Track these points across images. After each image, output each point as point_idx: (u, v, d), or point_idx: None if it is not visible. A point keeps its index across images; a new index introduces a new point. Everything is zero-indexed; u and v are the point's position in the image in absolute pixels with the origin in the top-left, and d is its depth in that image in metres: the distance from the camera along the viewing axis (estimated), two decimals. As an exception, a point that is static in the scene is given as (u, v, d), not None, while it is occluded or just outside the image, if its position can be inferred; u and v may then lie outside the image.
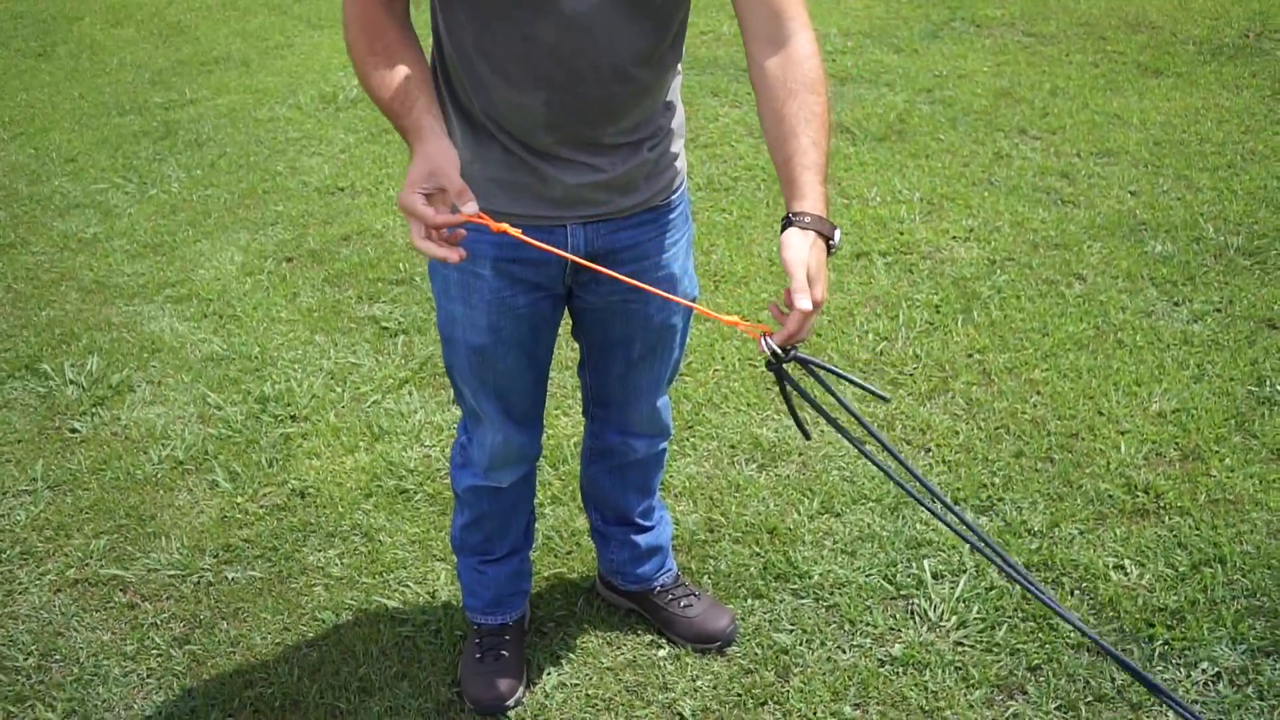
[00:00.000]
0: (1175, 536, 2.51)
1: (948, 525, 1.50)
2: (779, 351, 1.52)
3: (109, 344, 3.55)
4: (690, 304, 1.76)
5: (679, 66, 1.81)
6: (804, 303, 1.50)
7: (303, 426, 3.09)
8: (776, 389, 3.11)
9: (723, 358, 3.28)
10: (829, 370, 1.54)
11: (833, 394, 1.54)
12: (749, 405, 3.07)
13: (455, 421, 3.06)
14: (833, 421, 1.53)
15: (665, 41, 1.70)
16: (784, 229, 1.57)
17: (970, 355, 3.22)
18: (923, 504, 1.47)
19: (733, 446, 2.91)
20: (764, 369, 1.66)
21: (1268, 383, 3.00)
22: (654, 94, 1.75)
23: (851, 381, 1.55)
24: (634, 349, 2.00)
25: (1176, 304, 3.41)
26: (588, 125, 1.70)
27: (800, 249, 1.53)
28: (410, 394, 3.20)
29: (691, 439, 2.95)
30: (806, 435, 1.68)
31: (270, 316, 3.65)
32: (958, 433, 2.90)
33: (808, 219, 1.56)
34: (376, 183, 4.54)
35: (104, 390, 3.31)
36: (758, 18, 1.67)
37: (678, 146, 1.87)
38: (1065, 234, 3.83)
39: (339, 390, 3.24)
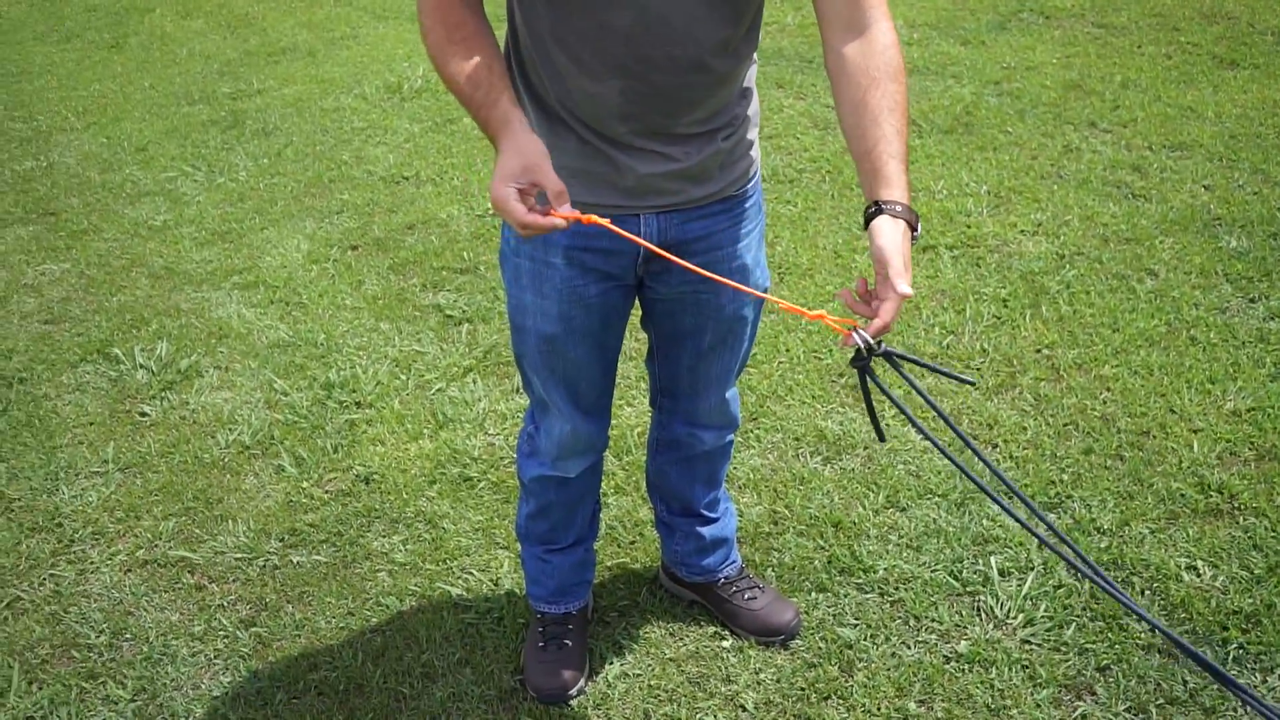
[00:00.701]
0: (1250, 538, 2.45)
1: (1020, 522, 1.48)
2: (871, 345, 1.50)
3: (178, 329, 3.61)
4: (777, 300, 1.75)
5: (754, 56, 1.79)
6: (904, 287, 1.50)
7: (367, 413, 3.11)
8: (844, 382, 3.08)
9: (788, 350, 3.26)
10: (916, 363, 1.52)
11: (915, 388, 1.51)
12: (813, 398, 3.04)
13: (519, 410, 3.07)
14: (914, 421, 1.51)
15: (741, 30, 1.68)
16: (871, 217, 1.55)
17: (1038, 350, 3.17)
18: (997, 501, 1.44)
19: (797, 439, 2.89)
20: (848, 364, 1.64)
21: (1348, 382, 2.93)
22: (729, 83, 1.73)
23: (938, 371, 1.54)
24: (704, 340, 1.99)
25: (1252, 300, 3.33)
26: (662, 114, 1.69)
27: (893, 236, 1.52)
28: (475, 382, 3.22)
29: (756, 431, 2.94)
30: (882, 438, 1.67)
31: (335, 304, 3.68)
32: (1025, 428, 2.86)
33: (899, 207, 1.55)
34: (441, 172, 4.56)
35: (173, 375, 3.36)
36: (837, 4, 1.65)
37: (752, 136, 1.86)
38: (1136, 228, 3.75)
39: (404, 378, 3.27)
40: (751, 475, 2.76)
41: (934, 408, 1.51)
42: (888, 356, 1.52)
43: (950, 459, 1.47)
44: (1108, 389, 2.98)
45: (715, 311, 1.95)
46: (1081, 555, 1.45)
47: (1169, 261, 3.55)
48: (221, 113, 5.44)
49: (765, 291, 2.01)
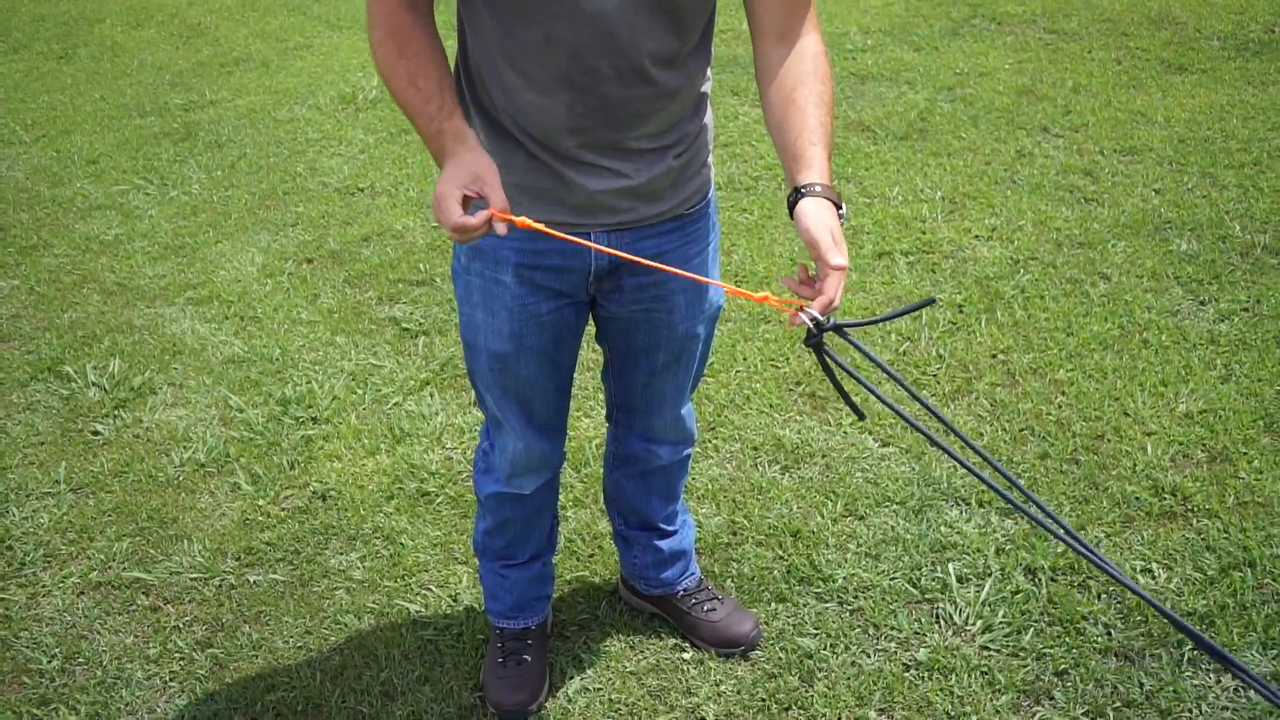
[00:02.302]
0: (1204, 540, 2.48)
1: (982, 479, 1.48)
2: (820, 320, 1.51)
3: (131, 346, 3.56)
4: (719, 284, 1.75)
5: (708, 72, 1.79)
6: (836, 258, 1.51)
7: (324, 429, 3.09)
8: (801, 390, 3.09)
9: (745, 359, 3.26)
10: (867, 323, 1.54)
11: (870, 357, 1.51)
12: (771, 406, 3.05)
13: (477, 424, 3.05)
14: (872, 390, 1.51)
15: (688, 44, 1.68)
16: (794, 204, 1.56)
17: (994, 356, 3.20)
18: (963, 464, 1.44)
19: (755, 448, 2.89)
20: (803, 348, 1.64)
21: (1296, 383, 2.97)
22: (679, 98, 1.73)
23: (892, 317, 1.56)
24: (657, 357, 1.99)
25: (1203, 303, 3.37)
26: (611, 129, 1.69)
27: (818, 215, 1.54)
28: (431, 396, 3.20)
29: (714, 440, 2.94)
30: (860, 415, 1.68)
31: (291, 318, 3.65)
32: (982, 434, 2.88)
33: (818, 188, 1.57)
34: (396, 183, 4.54)
35: (126, 393, 3.31)
36: (770, 16, 1.67)
37: (706, 154, 1.85)
38: (1089, 233, 3.80)
39: (360, 392, 3.24)
40: (710, 485, 2.76)
41: (890, 374, 1.52)
42: (838, 329, 1.53)
43: (910, 422, 1.48)
44: (1062, 393, 3.01)
45: (668, 330, 1.95)
46: (1048, 512, 1.46)
47: (1121, 265, 3.59)
48: (174, 124, 5.38)
49: (718, 310, 2.02)
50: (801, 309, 1.53)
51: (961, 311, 3.41)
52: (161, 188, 4.71)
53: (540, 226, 1.57)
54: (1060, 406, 2.96)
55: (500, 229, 1.54)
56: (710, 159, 1.89)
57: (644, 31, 1.62)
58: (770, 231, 3.94)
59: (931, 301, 1.61)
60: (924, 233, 3.87)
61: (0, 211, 4.61)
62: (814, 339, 1.53)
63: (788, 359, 3.25)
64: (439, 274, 3.84)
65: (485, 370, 1.94)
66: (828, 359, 1.57)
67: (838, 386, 1.62)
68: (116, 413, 3.23)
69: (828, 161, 1.62)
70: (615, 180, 1.73)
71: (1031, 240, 3.78)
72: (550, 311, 1.86)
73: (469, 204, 1.55)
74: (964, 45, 5.55)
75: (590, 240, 1.76)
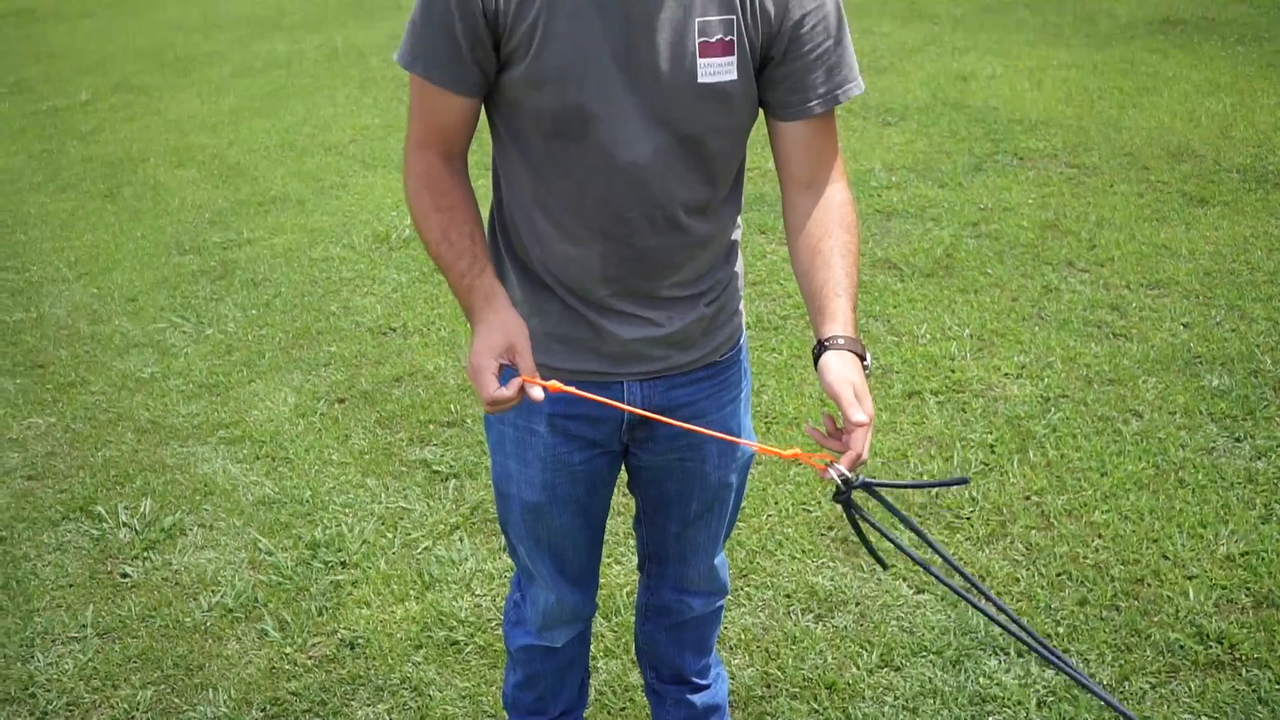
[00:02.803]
0: (1254, 691, 2.41)
1: (1017, 636, 1.46)
2: (849, 478, 1.50)
3: (163, 486, 3.58)
4: (749, 443, 1.76)
5: (739, 220, 1.82)
6: (858, 415, 1.51)
7: (353, 574, 3.07)
8: (834, 535, 3.06)
9: (776, 502, 3.24)
10: (897, 486, 1.54)
11: (899, 516, 1.51)
12: (804, 552, 3.02)
13: (507, 570, 3.03)
14: (901, 547, 1.51)
15: (720, 193, 1.72)
16: (818, 357, 1.57)
17: (1028, 497, 3.17)
18: (996, 621, 1.42)
19: (788, 596, 2.85)
20: (831, 502, 1.63)
21: (1339, 526, 2.92)
22: (711, 246, 1.76)
23: (922, 486, 1.55)
24: (690, 507, 1.98)
25: (1238, 440, 3.34)
26: (643, 277, 1.71)
27: (840, 369, 1.55)
28: (461, 540, 3.18)
29: (746, 588, 2.90)
30: (884, 565, 1.67)
31: (322, 459, 3.67)
32: (1018, 579, 2.83)
33: (841, 340, 1.58)
34: (428, 323, 4.60)
35: (156, 534, 3.32)
36: (798, 164, 1.71)
37: (737, 301, 1.87)
38: (1119, 369, 3.79)
39: (390, 536, 3.23)
40: (742, 635, 2.72)
41: (919, 534, 1.51)
42: (866, 487, 1.52)
43: (943, 581, 1.47)
44: (1099, 535, 2.97)
45: (701, 479, 1.94)
46: (1071, 671, 1.42)
47: (1153, 402, 3.57)
48: (212, 262, 5.49)
49: (751, 457, 2.02)
50: (831, 464, 1.53)
51: (993, 452, 3.39)
52: (198, 326, 4.79)
53: (573, 390, 1.59)
54: (1097, 549, 2.91)
55: (536, 394, 1.56)
56: (741, 305, 1.91)
57: (676, 180, 1.65)
58: (799, 371, 3.95)
59: (965, 480, 1.61)
60: (953, 371, 3.87)
61: (41, 348, 4.70)
62: (842, 495, 1.53)
63: (819, 503, 3.22)
64: (470, 415, 3.86)
65: (518, 520, 1.93)
66: (857, 515, 1.56)
67: (864, 540, 1.61)
68: (146, 554, 3.23)
69: (852, 312, 1.63)
70: (648, 329, 1.75)
71: (1061, 377, 3.77)
72: (583, 461, 1.86)
73: (501, 371, 1.57)
74: (987, 181, 5.62)
75: (624, 389, 1.78)
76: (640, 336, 1.76)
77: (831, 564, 2.95)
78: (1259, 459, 3.24)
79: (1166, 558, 2.86)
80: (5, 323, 5.01)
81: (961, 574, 1.51)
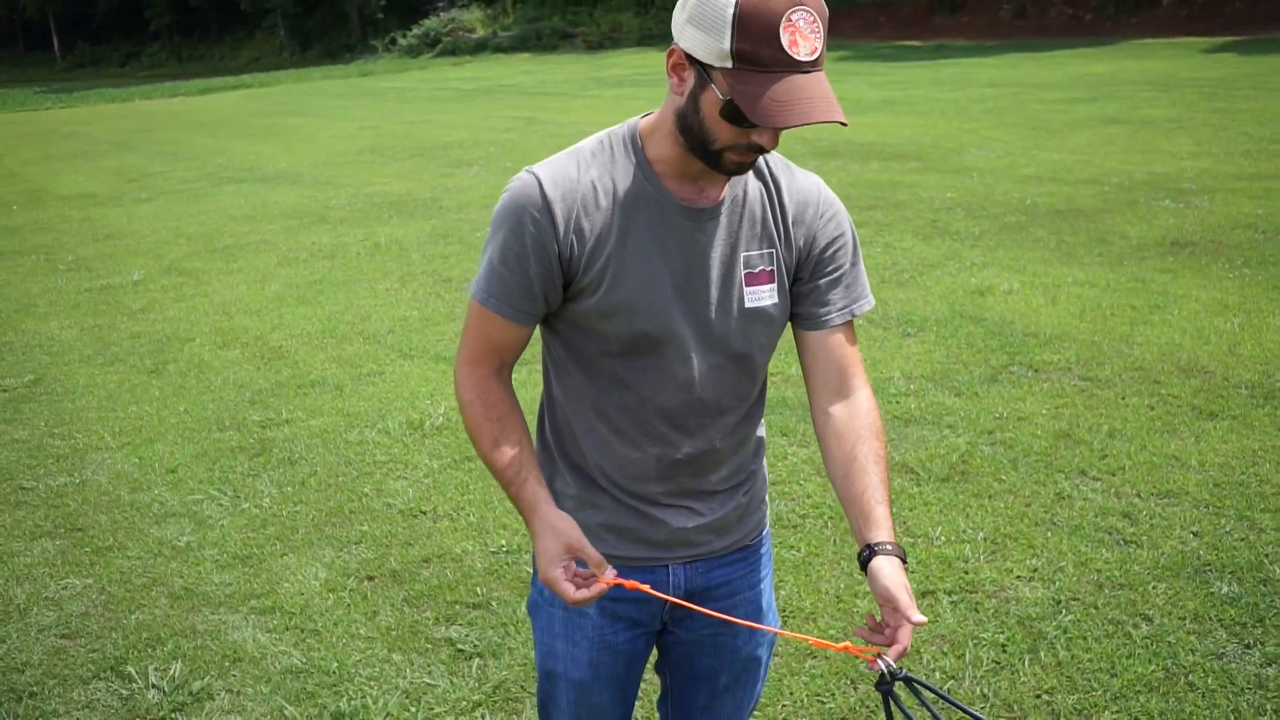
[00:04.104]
0: None
1: None
2: (895, 670, 1.64)
3: (193, 651, 3.68)
4: (805, 637, 1.94)
5: (762, 417, 2.02)
6: (918, 616, 1.67)
7: (375, 744, 3.13)
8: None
9: (791, 693, 3.31)
10: (933, 691, 1.68)
11: (932, 713, 1.66)
12: (817, 739, 3.07)
13: (525, 745, 3.09)
14: None
15: (756, 393, 1.93)
16: (867, 560, 1.73)
17: (1038, 696, 3.22)
18: None
19: (801, 782, 2.90)
20: (874, 687, 1.72)
21: (1347, 736, 2.97)
22: (747, 443, 1.96)
23: (953, 703, 1.68)
24: (719, 680, 2.11)
25: (1248, 646, 3.40)
26: (693, 476, 1.91)
27: (893, 574, 1.72)
28: (483, 717, 3.25)
29: (759, 772, 2.95)
30: None
31: (350, 633, 3.77)
32: (1029, 777, 2.87)
33: (889, 546, 1.75)
34: (458, 508, 4.74)
35: (185, 696, 3.40)
36: (825, 373, 1.92)
37: (764, 491, 2.07)
38: (1129, 574, 3.88)
39: (413, 710, 3.30)
40: (756, 819, 2.76)
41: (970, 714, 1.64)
42: (908, 681, 1.67)
43: None
44: (1109, 737, 3.01)
45: (732, 653, 2.08)
46: None
47: (1163, 607, 3.65)
48: (250, 440, 5.70)
49: (775, 635, 2.15)
50: (880, 655, 1.69)
51: (1005, 651, 3.46)
52: (234, 499, 4.95)
53: (645, 588, 1.79)
54: (1108, 751, 2.96)
55: (605, 589, 1.74)
56: (767, 496, 2.09)
57: (727, 390, 1.88)
58: (817, 569, 4.06)
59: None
60: (966, 573, 3.97)
61: (81, 513, 4.86)
62: (886, 685, 1.68)
63: (834, 695, 3.29)
64: (495, 597, 3.96)
65: (563, 697, 2.07)
66: (894, 705, 1.70)
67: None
68: (174, 716, 3.31)
69: (890, 517, 1.82)
70: (694, 519, 1.94)
71: (1073, 581, 3.86)
72: (626, 641, 2.01)
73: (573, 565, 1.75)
74: (1003, 391, 5.81)
75: (668, 572, 1.96)
76: (688, 526, 1.96)
77: (845, 754, 3.00)
78: (1269, 665, 3.30)
79: (1176, 761, 2.90)
80: (50, 487, 5.19)
81: None
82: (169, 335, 7.85)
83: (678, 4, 1.68)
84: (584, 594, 1.73)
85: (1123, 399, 5.61)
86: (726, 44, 1.59)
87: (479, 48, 42.57)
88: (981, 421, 5.37)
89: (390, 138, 19.21)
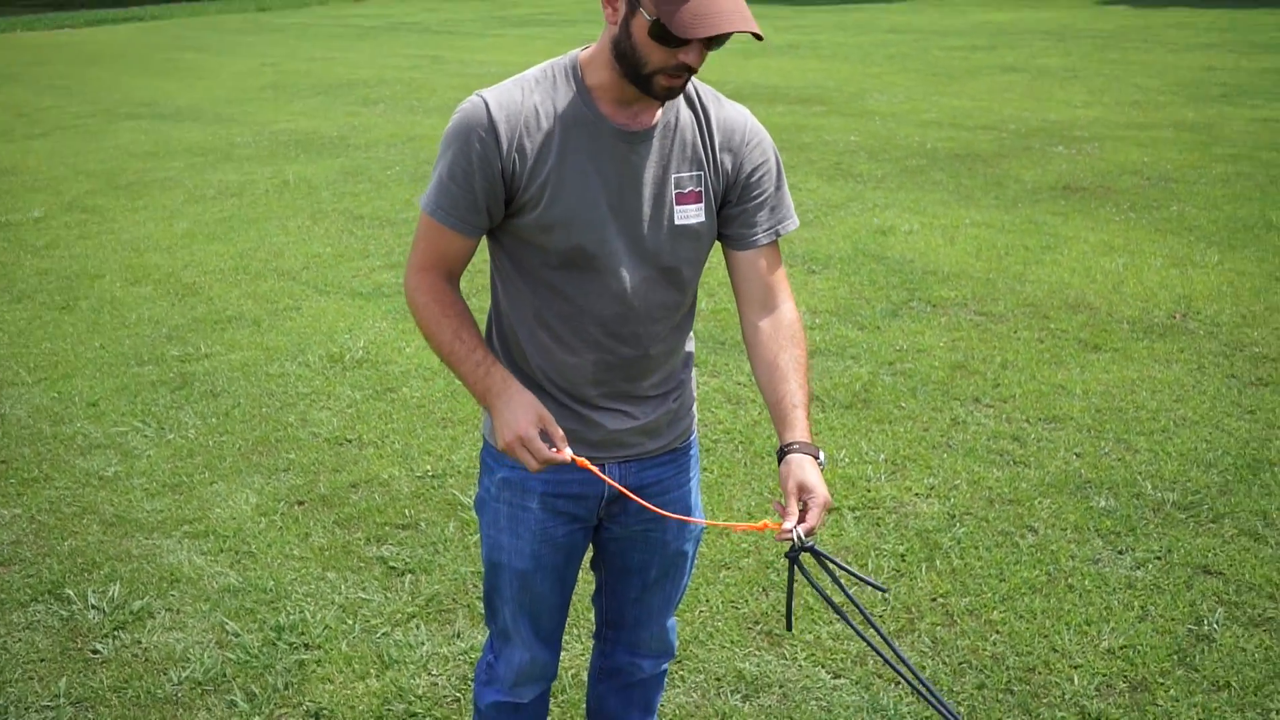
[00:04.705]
0: (1126, 764, 2.74)
1: (926, 697, 1.80)
2: (804, 541, 1.86)
3: (129, 573, 3.78)
4: (729, 524, 2.14)
5: (691, 334, 2.21)
6: (823, 494, 1.92)
7: (316, 654, 3.30)
8: (759, 629, 3.37)
9: (707, 600, 3.55)
10: (836, 563, 1.90)
11: (835, 581, 1.89)
12: (732, 643, 3.32)
13: (461, 653, 3.28)
14: (835, 606, 1.88)
15: (685, 306, 2.11)
16: (782, 456, 1.94)
17: (934, 599, 3.51)
18: (905, 678, 1.76)
19: (718, 679, 3.14)
20: (783, 556, 1.94)
21: (1205, 621, 3.31)
22: (677, 353, 2.14)
23: (855, 575, 1.91)
24: (650, 573, 2.31)
25: (1120, 552, 3.73)
26: (627, 380, 2.09)
27: (801, 467, 1.93)
28: (418, 627, 3.43)
29: (680, 672, 3.19)
30: (789, 627, 2.02)
31: (284, 554, 3.90)
32: (924, 668, 3.15)
33: (798, 445, 1.96)
34: (382, 436, 4.88)
35: (125, 616, 3.52)
36: (753, 290, 2.12)
37: (692, 401, 2.26)
38: (1018, 491, 4.19)
39: (350, 622, 3.47)
40: (677, 712, 3.00)
41: (850, 598, 1.87)
42: (814, 552, 1.88)
43: (863, 637, 1.82)
44: (997, 631, 3.31)
45: (662, 547, 2.28)
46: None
47: (1047, 519, 3.97)
48: (170, 374, 5.73)
49: (701, 532, 2.36)
50: (795, 529, 1.90)
51: (904, 560, 3.74)
52: (159, 431, 5.01)
53: (594, 469, 2.01)
54: (995, 643, 3.26)
55: (567, 456, 1.94)
56: (694, 406, 2.28)
57: (658, 301, 2.07)
58: (729, 489, 4.29)
59: (885, 589, 1.99)
60: (869, 491, 4.25)
61: (3, 446, 4.88)
62: (794, 553, 1.89)
63: (746, 601, 3.54)
64: (423, 519, 4.13)
65: (506, 586, 2.25)
66: (800, 572, 1.91)
67: (789, 599, 1.97)
68: (116, 634, 3.42)
69: (807, 419, 2.03)
70: (628, 421, 2.13)
71: (966, 498, 4.16)
72: (565, 535, 2.20)
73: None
74: (903, 325, 6.11)
75: (605, 470, 2.14)
76: (621, 428, 2.14)
77: (757, 653, 3.25)
78: (1138, 569, 3.63)
79: (1055, 650, 3.21)
80: (-33, 422, 5.18)
81: (877, 630, 1.86)
82: (77, 272, 7.76)
83: None
84: (552, 455, 1.90)
85: (1014, 333, 5.94)
86: None
87: (380, -16, 41.62)
88: (882, 353, 5.66)
89: (293, 75, 18.86)
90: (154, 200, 9.93)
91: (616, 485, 2.07)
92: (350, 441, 4.86)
